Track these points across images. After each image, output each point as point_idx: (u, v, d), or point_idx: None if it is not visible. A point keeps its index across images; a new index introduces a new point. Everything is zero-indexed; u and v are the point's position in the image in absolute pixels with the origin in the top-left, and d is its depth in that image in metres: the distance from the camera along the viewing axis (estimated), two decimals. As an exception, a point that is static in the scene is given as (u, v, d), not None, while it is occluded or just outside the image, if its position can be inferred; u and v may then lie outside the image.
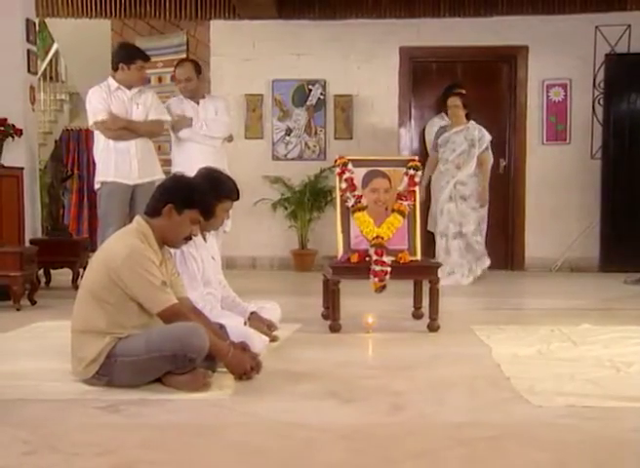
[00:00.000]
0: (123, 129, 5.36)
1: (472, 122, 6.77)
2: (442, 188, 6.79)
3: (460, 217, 6.76)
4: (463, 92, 7.18)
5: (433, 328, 4.39)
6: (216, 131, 5.70)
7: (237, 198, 3.92)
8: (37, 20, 6.68)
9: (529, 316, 5.13)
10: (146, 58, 5.51)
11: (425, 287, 4.55)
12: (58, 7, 8.06)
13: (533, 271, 7.87)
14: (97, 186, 5.54)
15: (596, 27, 7.78)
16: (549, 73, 7.89)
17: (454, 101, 6.87)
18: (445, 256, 6.69)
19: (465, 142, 6.69)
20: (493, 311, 5.26)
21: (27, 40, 6.25)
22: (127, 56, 5.45)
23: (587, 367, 3.44)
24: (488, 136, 6.74)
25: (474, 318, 4.89)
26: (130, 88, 5.44)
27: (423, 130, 7.91)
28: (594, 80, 7.86)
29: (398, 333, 4.37)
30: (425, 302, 4.55)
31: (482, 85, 7.95)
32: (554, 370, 3.39)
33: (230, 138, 6.00)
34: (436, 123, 7.66)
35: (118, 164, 5.37)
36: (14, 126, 5.64)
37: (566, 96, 7.91)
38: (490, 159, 6.88)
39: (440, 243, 6.83)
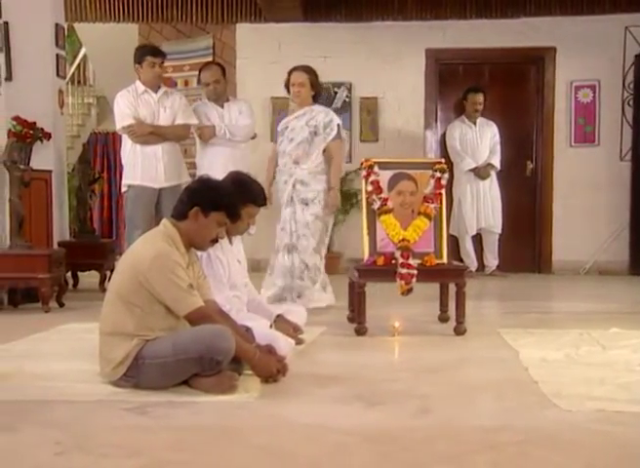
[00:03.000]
0: (150, 134, 5.41)
1: (318, 105, 5.42)
2: (280, 190, 5.40)
3: (299, 228, 5.26)
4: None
5: (460, 331, 4.37)
6: (238, 134, 5.74)
7: (263, 204, 3.94)
8: (66, 25, 6.75)
9: (557, 320, 5.08)
10: (156, 54, 5.50)
11: (452, 290, 4.53)
12: (86, 12, 8.16)
13: (561, 274, 7.80)
14: (123, 189, 5.61)
15: (626, 28, 7.70)
16: (578, 74, 7.82)
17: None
18: (267, 278, 5.40)
19: (307, 129, 5.25)
20: (520, 314, 5.22)
21: (56, 45, 6.33)
22: (138, 55, 5.52)
23: (617, 371, 3.40)
24: (337, 120, 5.32)
25: (501, 321, 4.87)
26: (156, 91, 5.49)
27: (444, 134, 7.87)
28: (623, 81, 7.77)
29: (424, 337, 4.36)
30: (452, 305, 4.53)
31: (509, 87, 7.90)
32: (583, 374, 3.36)
33: (254, 136, 6.05)
34: (457, 126, 7.64)
35: (144, 167, 5.42)
36: (43, 129, 5.71)
37: (594, 97, 7.83)
38: (342, 149, 5.55)
39: (272, 258, 5.44)
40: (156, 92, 5.51)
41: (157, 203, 5.46)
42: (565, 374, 3.35)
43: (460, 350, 3.99)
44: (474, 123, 7.64)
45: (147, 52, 5.50)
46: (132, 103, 5.42)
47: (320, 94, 5.43)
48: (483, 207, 7.55)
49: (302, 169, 5.24)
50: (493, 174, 7.59)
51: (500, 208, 7.59)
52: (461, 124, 7.67)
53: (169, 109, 5.50)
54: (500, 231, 7.61)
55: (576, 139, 7.90)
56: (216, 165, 5.38)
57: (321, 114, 5.30)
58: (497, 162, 7.58)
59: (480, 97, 7.59)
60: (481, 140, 7.59)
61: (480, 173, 7.53)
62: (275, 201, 5.41)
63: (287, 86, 5.38)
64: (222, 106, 5.82)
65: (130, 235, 5.28)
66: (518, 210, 7.77)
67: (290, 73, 5.37)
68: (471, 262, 7.54)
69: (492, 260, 7.65)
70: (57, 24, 6.35)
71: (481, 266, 7.69)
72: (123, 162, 5.60)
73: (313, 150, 5.25)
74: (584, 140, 7.88)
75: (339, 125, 5.31)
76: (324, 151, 5.29)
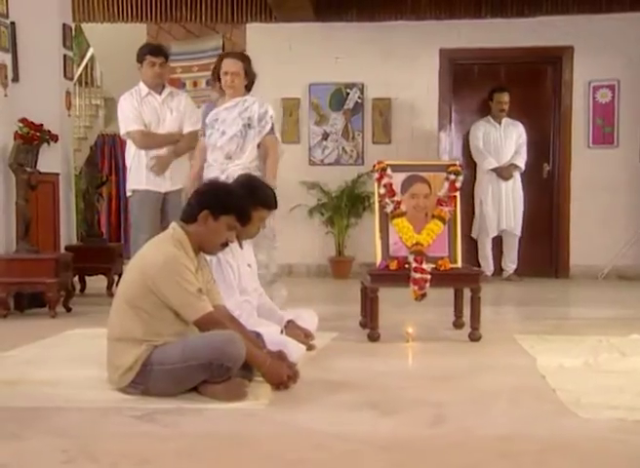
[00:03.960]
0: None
1: (250, 95, 5.01)
2: None
3: None
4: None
5: (475, 337, 4.36)
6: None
7: (274, 207, 3.94)
8: (73, 25, 6.79)
9: (575, 326, 5.06)
10: (155, 53, 5.45)
11: (467, 295, 4.52)
12: (94, 12, 8.20)
13: (578, 279, 7.77)
14: (128, 194, 5.61)
15: (645, 26, 7.68)
16: (596, 74, 7.80)
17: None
18: None
19: (240, 121, 4.88)
20: (537, 320, 5.20)
21: (64, 45, 6.38)
22: (139, 54, 5.51)
23: (637, 379, 3.39)
24: (272, 111, 5.00)
25: (517, 327, 4.85)
26: (160, 92, 5.48)
27: (467, 134, 7.87)
28: (644, 81, 7.76)
29: (439, 343, 4.35)
30: (467, 311, 4.52)
31: (525, 87, 7.89)
32: (602, 382, 3.34)
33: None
34: (481, 125, 7.65)
35: (149, 171, 5.41)
36: (49, 131, 5.74)
37: (613, 97, 7.81)
38: (277, 144, 5.07)
39: None
40: (160, 92, 5.49)
41: (163, 207, 5.46)
42: (583, 382, 3.33)
43: (476, 357, 3.97)
44: (499, 123, 7.65)
45: (147, 51, 5.48)
46: (135, 108, 5.41)
47: (253, 82, 5.00)
48: (505, 208, 7.55)
49: (236, 165, 4.80)
50: (516, 175, 7.60)
51: (522, 210, 7.60)
52: (486, 123, 7.69)
53: (175, 112, 5.48)
54: (519, 234, 7.61)
55: (594, 141, 7.88)
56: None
57: (255, 105, 4.88)
58: (521, 163, 7.60)
59: (505, 97, 7.62)
60: (505, 140, 7.61)
61: (502, 173, 7.53)
62: None
63: (216, 73, 4.94)
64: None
65: (135, 240, 5.29)
66: (534, 213, 7.74)
67: (221, 60, 4.94)
68: (487, 266, 7.53)
69: (510, 264, 7.65)
70: (64, 25, 6.40)
71: (498, 270, 7.68)
72: (127, 166, 5.61)
73: (248, 145, 4.86)
74: (603, 142, 7.86)
75: (272, 117, 4.93)
76: (258, 146, 4.92)
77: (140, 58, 5.44)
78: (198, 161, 5.07)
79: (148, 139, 5.41)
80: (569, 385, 3.26)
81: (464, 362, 3.84)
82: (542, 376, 3.46)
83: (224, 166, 4.83)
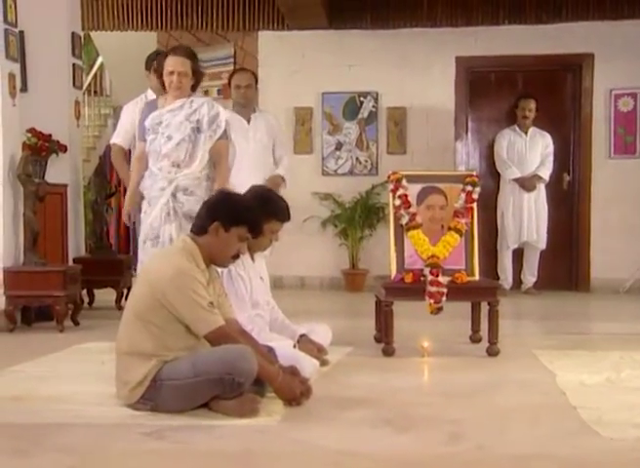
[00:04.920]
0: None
1: (197, 95, 4.69)
2: (153, 200, 4.49)
3: None
4: None
5: (493, 352, 4.35)
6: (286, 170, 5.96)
7: (287, 219, 3.95)
8: (82, 34, 6.85)
9: (596, 341, 5.03)
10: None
11: (484, 308, 4.50)
12: (103, 20, 8.28)
13: (599, 293, 7.72)
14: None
15: (669, 33, 7.67)
16: (617, 82, 7.78)
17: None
18: None
19: (188, 125, 4.47)
20: (556, 335, 5.17)
21: (73, 54, 6.43)
22: (147, 62, 5.56)
23: (661, 396, 3.36)
24: (224, 114, 4.66)
25: (536, 342, 4.83)
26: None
27: (491, 142, 7.86)
28: (667, 89, 7.74)
29: (455, 358, 4.34)
30: (484, 325, 4.50)
31: (544, 95, 7.87)
32: (625, 399, 3.32)
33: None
34: (506, 134, 7.64)
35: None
36: (58, 142, 5.78)
37: (635, 105, 7.78)
38: (228, 150, 4.73)
39: None
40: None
41: None
42: (606, 400, 3.31)
43: (494, 372, 3.96)
44: (525, 132, 7.62)
45: (156, 57, 5.52)
46: (130, 122, 5.43)
47: (200, 82, 4.64)
48: (527, 220, 7.51)
49: (185, 174, 4.42)
50: (540, 186, 7.57)
51: (546, 223, 7.56)
52: (511, 132, 7.66)
53: None
54: (543, 247, 7.57)
55: (615, 150, 7.85)
56: (242, 178, 5.37)
57: (204, 107, 4.49)
58: (545, 174, 7.56)
59: (529, 104, 7.58)
60: (531, 151, 7.57)
61: (525, 183, 7.50)
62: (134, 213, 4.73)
63: (158, 71, 4.56)
64: (249, 120, 5.85)
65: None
66: (554, 224, 7.71)
67: (165, 57, 4.51)
68: (506, 279, 7.51)
69: (529, 277, 7.63)
70: (73, 33, 6.45)
71: (517, 283, 7.65)
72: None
73: (198, 151, 4.44)
74: (624, 151, 7.83)
75: (224, 120, 4.58)
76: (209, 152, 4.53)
77: (149, 65, 5.47)
78: (137, 171, 4.64)
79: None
80: (590, 402, 3.24)
81: (482, 377, 3.83)
82: (563, 393, 3.45)
83: (172, 175, 4.41)
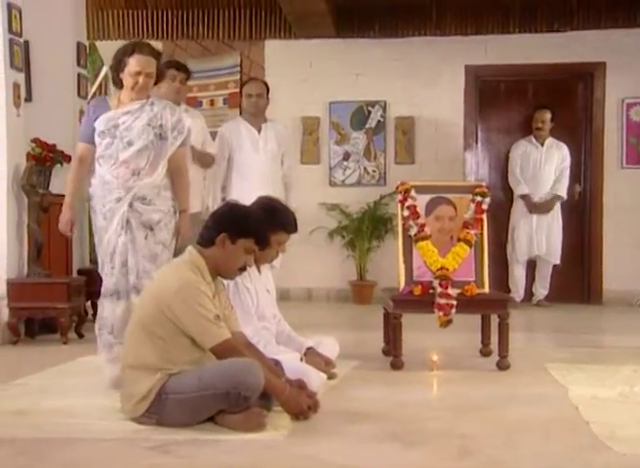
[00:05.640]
0: None
1: (158, 99, 4.21)
2: (111, 212, 4.03)
3: (142, 262, 3.97)
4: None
5: (503, 366, 4.34)
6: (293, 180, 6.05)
7: (294, 231, 3.96)
8: (87, 43, 6.90)
9: (609, 354, 5.02)
10: (179, 68, 5.47)
11: (494, 321, 4.50)
12: (108, 29, 8.34)
13: (612, 305, 7.70)
14: None
15: (682, 41, 7.68)
16: (630, 91, 7.78)
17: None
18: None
19: (151, 131, 4.04)
20: (568, 348, 5.16)
21: (78, 64, 6.48)
22: (161, 68, 5.57)
23: (675, 411, 3.36)
24: (186, 121, 4.35)
25: (548, 356, 4.82)
26: None
27: (503, 153, 7.85)
28: (680, 98, 7.74)
29: (465, 372, 4.33)
30: (494, 338, 4.50)
31: (555, 105, 7.87)
32: (639, 414, 3.31)
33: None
34: (522, 145, 7.63)
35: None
36: (62, 152, 5.81)
37: (648, 115, 7.80)
38: (186, 160, 4.37)
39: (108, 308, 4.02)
40: None
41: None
42: (619, 414, 3.31)
43: (504, 387, 3.95)
44: (542, 144, 7.60)
45: (172, 65, 5.56)
46: None
47: (157, 82, 4.22)
48: (538, 236, 7.47)
49: (146, 183, 4.01)
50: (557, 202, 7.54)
51: (561, 238, 7.51)
52: (527, 143, 7.63)
53: (193, 132, 5.52)
54: (556, 262, 7.53)
55: (628, 161, 7.84)
56: (249, 189, 5.39)
57: (167, 111, 4.09)
58: (563, 192, 7.52)
59: (543, 115, 7.56)
60: (546, 163, 7.54)
61: (540, 208, 7.46)
62: (83, 225, 4.34)
63: (117, 71, 4.05)
64: (259, 130, 5.88)
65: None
66: (565, 236, 7.69)
67: (130, 56, 4.00)
68: (517, 291, 7.49)
69: (541, 290, 7.61)
70: (78, 43, 6.50)
71: (528, 295, 7.63)
72: None
73: (160, 160, 4.05)
74: (637, 161, 7.82)
75: (186, 127, 4.25)
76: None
77: (162, 73, 5.49)
78: (78, 174, 4.18)
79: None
80: (603, 417, 3.23)
81: (492, 391, 3.82)
82: (575, 408, 3.44)
83: (130, 183, 3.98)
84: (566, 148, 7.59)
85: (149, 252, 3.97)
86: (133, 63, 3.98)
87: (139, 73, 3.99)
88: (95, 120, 4.03)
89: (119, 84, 4.09)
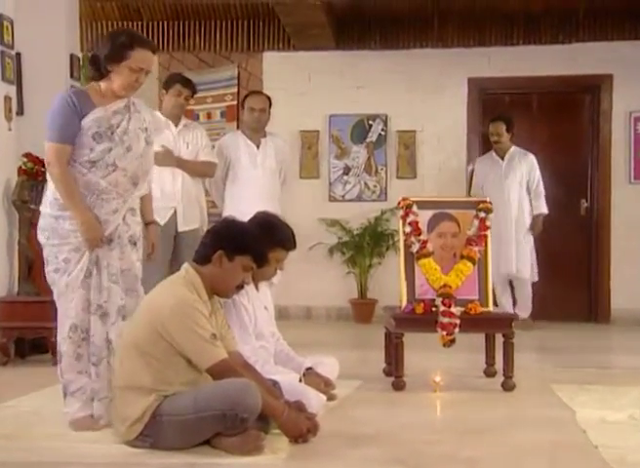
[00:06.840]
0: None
1: (135, 99, 3.74)
2: (105, 223, 3.56)
3: (129, 281, 3.65)
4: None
5: (508, 387, 4.33)
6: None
7: (293, 248, 3.97)
8: (81, 55, 6.93)
9: (617, 375, 5.01)
10: (186, 84, 5.48)
11: (499, 341, 4.50)
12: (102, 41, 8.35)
13: (620, 324, 7.69)
14: None
15: (690, 53, 7.72)
16: (637, 104, 7.81)
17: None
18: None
19: (142, 134, 3.66)
20: (575, 369, 5.15)
21: (71, 76, 6.50)
22: (167, 82, 5.62)
23: (686, 434, 3.35)
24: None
25: (554, 376, 4.81)
26: (176, 124, 5.56)
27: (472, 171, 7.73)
28: (688, 111, 7.77)
29: (469, 393, 4.32)
30: (499, 358, 4.49)
31: (561, 118, 7.92)
32: (648, 437, 3.31)
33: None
34: (480, 162, 7.49)
35: (159, 209, 5.43)
36: (55, 167, 5.81)
37: (656, 128, 7.83)
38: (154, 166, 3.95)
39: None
40: (176, 124, 5.59)
41: (174, 248, 5.47)
42: (629, 438, 3.30)
43: (509, 408, 3.95)
44: (502, 157, 7.32)
45: (178, 80, 5.60)
46: None
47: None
48: (505, 251, 7.02)
49: (140, 193, 3.72)
50: (524, 216, 7.23)
51: (529, 250, 7.21)
52: (486, 159, 7.45)
53: (191, 145, 5.55)
54: (534, 279, 7.24)
55: (636, 175, 7.86)
56: (246, 204, 5.42)
57: (147, 112, 3.78)
58: (543, 207, 7.23)
59: (497, 127, 7.26)
60: (506, 178, 7.21)
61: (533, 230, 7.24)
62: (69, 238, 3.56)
63: (112, 61, 3.60)
64: (258, 145, 5.91)
65: (145, 279, 5.30)
66: (571, 252, 7.71)
67: (132, 49, 3.59)
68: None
69: (521, 311, 7.12)
70: (71, 55, 6.52)
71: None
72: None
73: (150, 166, 3.76)
74: (646, 176, 7.85)
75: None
76: None
77: (168, 86, 5.53)
78: (73, 184, 3.53)
79: (169, 160, 5.43)
80: (612, 441, 3.22)
81: (497, 413, 3.82)
82: (583, 431, 3.43)
83: (128, 194, 3.61)
84: (532, 156, 7.27)
85: (135, 269, 3.66)
86: (138, 59, 3.58)
87: (141, 70, 3.60)
88: (81, 117, 3.54)
89: (104, 75, 3.63)
